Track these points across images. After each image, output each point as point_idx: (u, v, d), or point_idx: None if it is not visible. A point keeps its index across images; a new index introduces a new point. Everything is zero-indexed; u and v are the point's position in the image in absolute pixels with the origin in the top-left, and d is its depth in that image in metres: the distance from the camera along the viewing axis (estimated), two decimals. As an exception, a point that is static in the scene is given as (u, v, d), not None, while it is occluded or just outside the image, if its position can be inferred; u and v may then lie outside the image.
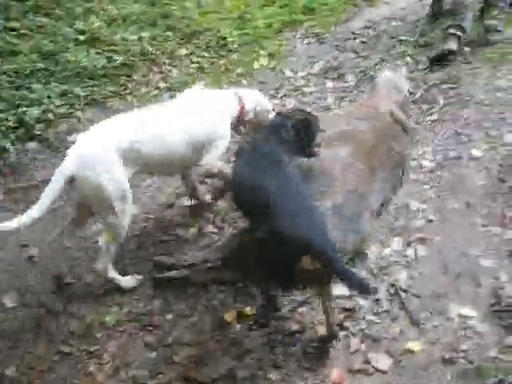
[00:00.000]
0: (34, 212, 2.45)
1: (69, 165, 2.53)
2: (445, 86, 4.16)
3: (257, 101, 3.21)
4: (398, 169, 3.02)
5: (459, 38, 4.28)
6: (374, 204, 2.77)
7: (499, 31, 4.48)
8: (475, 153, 3.41)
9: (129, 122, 2.77)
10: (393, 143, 2.98)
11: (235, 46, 5.53)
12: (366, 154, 2.77)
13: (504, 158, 3.33)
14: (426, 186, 3.25)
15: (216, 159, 2.95)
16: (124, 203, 2.63)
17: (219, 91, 3.35)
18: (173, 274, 2.62)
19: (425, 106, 3.99)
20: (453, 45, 4.26)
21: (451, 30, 4.28)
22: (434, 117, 3.83)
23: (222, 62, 5.31)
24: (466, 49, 4.42)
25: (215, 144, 2.93)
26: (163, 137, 2.76)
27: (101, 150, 2.57)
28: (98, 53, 5.05)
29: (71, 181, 2.54)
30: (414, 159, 3.45)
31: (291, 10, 5.97)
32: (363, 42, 5.16)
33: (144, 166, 2.77)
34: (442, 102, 3.98)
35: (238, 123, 3.17)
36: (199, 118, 2.89)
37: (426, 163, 3.41)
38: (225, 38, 5.58)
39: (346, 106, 4.09)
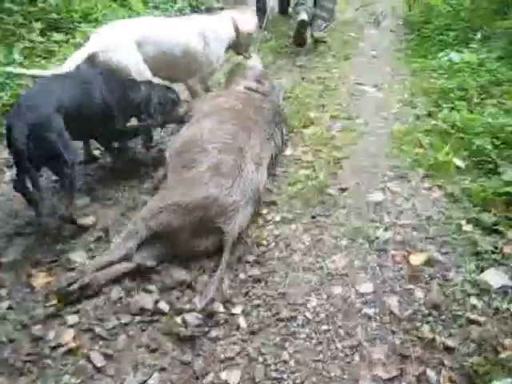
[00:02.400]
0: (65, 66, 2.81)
1: (93, 47, 2.92)
2: (250, 283, 2.29)
3: (247, 24, 3.74)
4: (273, 122, 3.06)
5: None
6: (259, 154, 2.75)
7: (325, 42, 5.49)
8: None
9: (142, 23, 3.30)
10: (259, 103, 3.10)
11: None
12: (233, 116, 2.85)
13: None
14: None
15: (203, 79, 3.57)
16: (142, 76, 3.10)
17: (220, 18, 3.65)
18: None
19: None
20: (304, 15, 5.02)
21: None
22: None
23: None
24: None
25: (207, 62, 3.46)
26: (165, 41, 3.22)
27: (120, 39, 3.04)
28: None
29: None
30: None
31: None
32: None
33: (149, 62, 3.15)
34: (244, 325, 2.11)
35: (234, 43, 3.71)
36: (198, 35, 3.36)
37: None
38: None
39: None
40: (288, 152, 3.24)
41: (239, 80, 3.33)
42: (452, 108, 3.53)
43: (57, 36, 4.90)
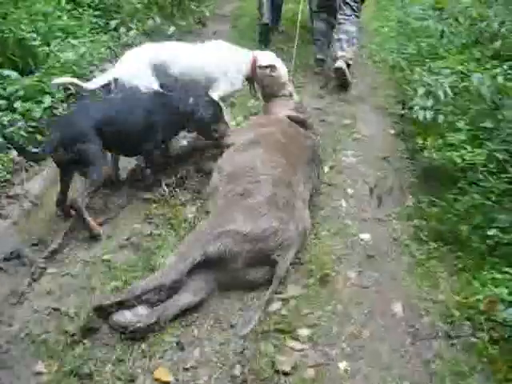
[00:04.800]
0: (91, 84, 3.39)
1: (118, 73, 3.44)
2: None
3: (270, 64, 3.61)
4: (313, 161, 3.02)
5: None
6: (303, 193, 2.72)
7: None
8: None
9: (163, 48, 3.63)
10: (302, 140, 3.06)
11: None
12: (280, 149, 2.81)
13: None
14: None
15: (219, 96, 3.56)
16: None
17: (239, 48, 3.78)
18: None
19: None
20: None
21: None
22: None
23: None
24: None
25: (223, 84, 3.59)
26: (185, 63, 3.55)
27: (139, 64, 3.46)
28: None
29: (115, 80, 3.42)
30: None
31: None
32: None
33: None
34: None
35: (250, 79, 3.75)
36: (216, 60, 3.59)
37: None
38: None
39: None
40: None
41: (283, 108, 3.31)
42: None
43: None
